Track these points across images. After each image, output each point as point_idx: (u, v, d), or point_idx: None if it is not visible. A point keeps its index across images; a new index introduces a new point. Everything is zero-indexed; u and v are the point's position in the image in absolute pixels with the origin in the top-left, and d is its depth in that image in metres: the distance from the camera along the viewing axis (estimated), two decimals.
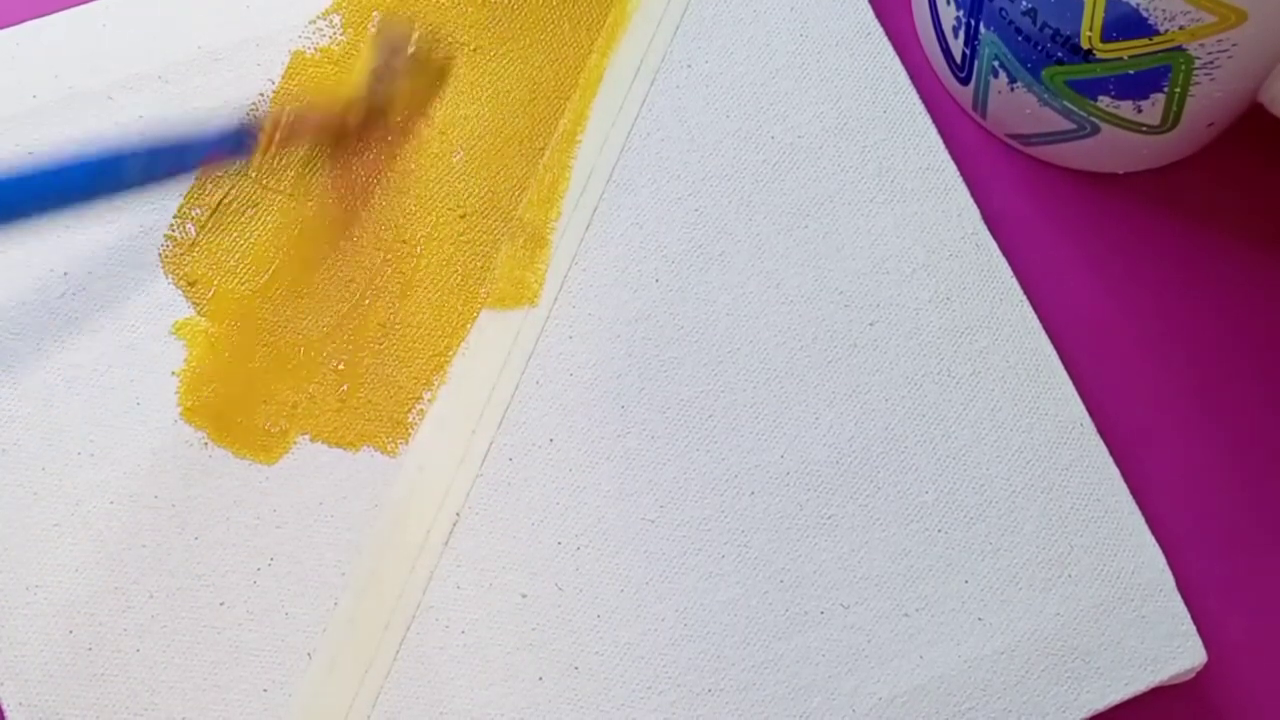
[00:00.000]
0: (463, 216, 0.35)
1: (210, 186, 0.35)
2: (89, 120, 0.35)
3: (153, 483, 0.33)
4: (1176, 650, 0.32)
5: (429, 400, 0.34)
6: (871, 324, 0.34)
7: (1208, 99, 0.33)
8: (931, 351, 0.34)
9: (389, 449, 0.34)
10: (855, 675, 0.32)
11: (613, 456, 0.33)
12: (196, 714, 0.32)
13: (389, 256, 0.35)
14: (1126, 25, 0.31)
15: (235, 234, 0.35)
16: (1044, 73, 0.33)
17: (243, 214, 0.35)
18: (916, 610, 0.33)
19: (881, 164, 0.35)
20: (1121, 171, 0.37)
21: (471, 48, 0.36)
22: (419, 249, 0.35)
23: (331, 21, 0.36)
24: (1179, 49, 0.31)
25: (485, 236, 0.35)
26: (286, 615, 0.32)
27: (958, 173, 0.35)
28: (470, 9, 0.36)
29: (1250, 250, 0.37)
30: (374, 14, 0.36)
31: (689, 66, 0.36)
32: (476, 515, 0.33)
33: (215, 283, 0.34)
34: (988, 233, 0.35)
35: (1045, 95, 0.34)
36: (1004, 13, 0.33)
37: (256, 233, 0.35)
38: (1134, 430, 0.35)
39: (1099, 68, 0.32)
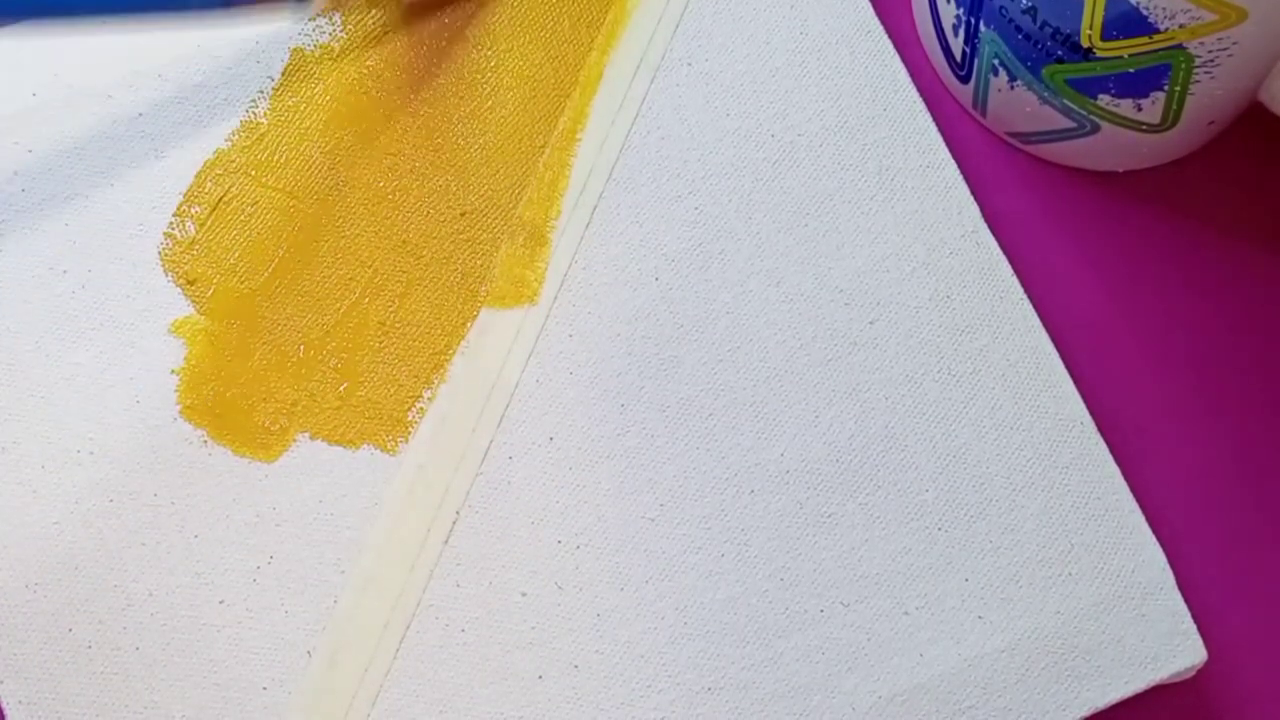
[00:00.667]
0: (463, 215, 0.35)
1: (210, 185, 0.35)
2: (89, 118, 0.35)
3: (152, 481, 0.33)
4: (1177, 648, 0.32)
5: (429, 398, 0.34)
6: (871, 322, 0.34)
7: (1208, 97, 0.33)
8: (931, 349, 0.34)
9: (389, 447, 0.33)
10: (855, 673, 0.32)
11: (612, 455, 0.33)
12: (196, 712, 0.32)
13: (389, 255, 0.35)
14: (1126, 24, 0.31)
15: (235, 232, 0.35)
16: (1044, 71, 0.33)
17: (242, 212, 0.35)
18: (916, 608, 0.32)
19: (881, 162, 0.35)
20: (1122, 170, 0.37)
21: (473, 44, 0.36)
22: (419, 247, 0.35)
23: (332, 19, 0.36)
24: (1179, 47, 0.31)
25: (485, 235, 0.35)
26: (286, 613, 0.32)
27: (958, 171, 0.35)
28: None
29: (1250, 248, 0.37)
30: None
31: (689, 64, 0.36)
32: (476, 514, 0.33)
33: (215, 281, 0.34)
34: (988, 231, 0.35)
35: (1045, 94, 0.34)
36: (1004, 11, 0.33)
37: (256, 230, 0.35)
38: (1134, 428, 0.35)
39: (1099, 66, 0.32)
